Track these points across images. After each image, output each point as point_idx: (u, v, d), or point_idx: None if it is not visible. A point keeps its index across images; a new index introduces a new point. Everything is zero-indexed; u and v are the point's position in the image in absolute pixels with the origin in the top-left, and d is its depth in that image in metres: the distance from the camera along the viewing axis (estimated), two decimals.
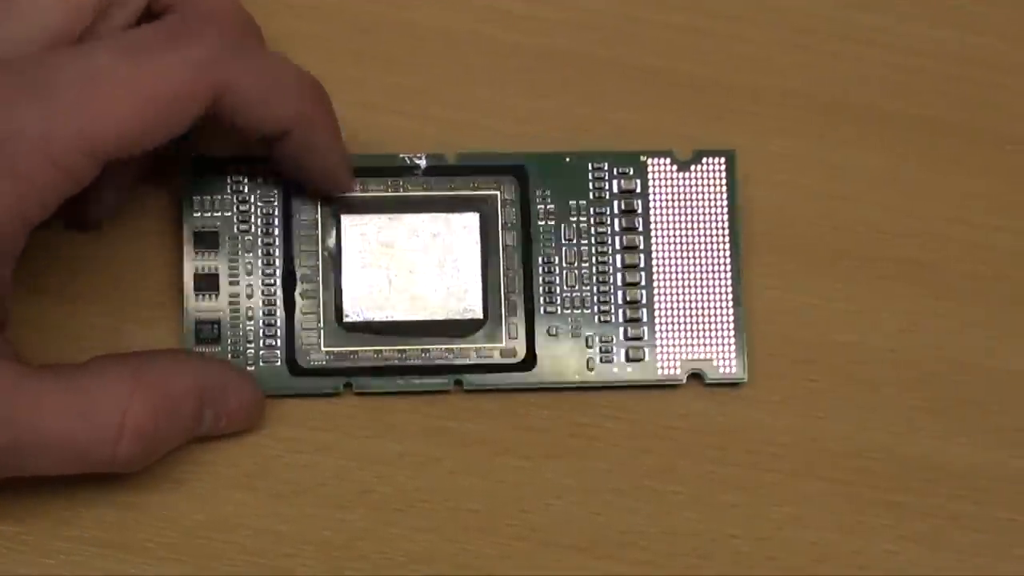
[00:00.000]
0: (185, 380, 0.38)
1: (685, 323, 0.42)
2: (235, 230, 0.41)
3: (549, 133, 0.44)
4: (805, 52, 0.45)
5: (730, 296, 0.42)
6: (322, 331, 0.41)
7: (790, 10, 0.45)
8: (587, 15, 0.45)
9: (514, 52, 0.45)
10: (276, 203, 0.42)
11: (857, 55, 0.45)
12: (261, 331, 0.41)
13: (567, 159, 0.43)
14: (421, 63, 0.44)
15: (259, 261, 0.41)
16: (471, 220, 0.42)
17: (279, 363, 0.41)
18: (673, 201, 0.43)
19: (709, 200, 0.43)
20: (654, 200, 0.43)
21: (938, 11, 0.46)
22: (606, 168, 0.43)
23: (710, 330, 0.42)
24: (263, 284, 0.41)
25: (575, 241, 0.42)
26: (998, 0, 0.46)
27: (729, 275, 0.42)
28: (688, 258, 0.42)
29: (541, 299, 0.42)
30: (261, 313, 0.41)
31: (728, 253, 0.42)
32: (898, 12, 0.46)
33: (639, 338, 0.42)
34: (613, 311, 0.42)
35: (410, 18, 0.44)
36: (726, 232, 0.43)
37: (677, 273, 0.42)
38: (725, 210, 0.43)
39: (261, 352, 0.41)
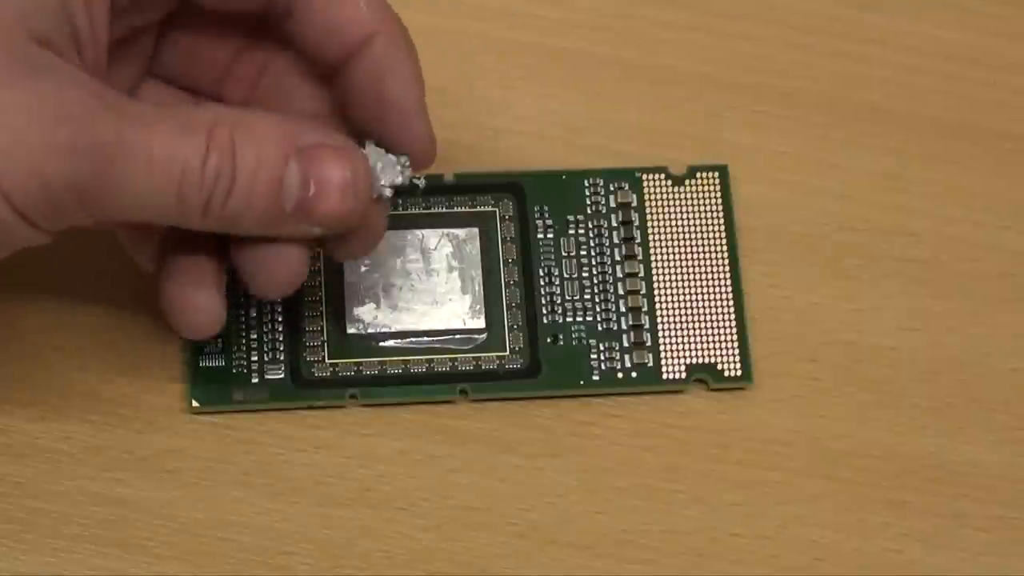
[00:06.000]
0: (272, 122, 0.35)
1: (688, 328, 0.42)
2: None
3: (551, 131, 0.44)
4: (805, 51, 0.45)
5: (731, 300, 0.42)
6: (326, 344, 0.41)
7: (790, 9, 0.46)
8: (587, 14, 0.45)
9: (516, 50, 0.45)
10: None
11: (857, 55, 0.46)
12: (265, 344, 0.41)
13: (563, 176, 0.43)
14: (424, 62, 0.44)
15: None
16: (472, 233, 0.42)
17: (283, 375, 0.41)
18: (669, 214, 0.43)
19: (704, 212, 0.43)
20: (651, 213, 0.43)
21: (938, 11, 0.46)
22: (602, 184, 0.43)
23: (713, 335, 0.42)
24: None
25: (575, 253, 0.42)
26: (998, 0, 0.46)
27: (729, 281, 0.43)
28: (687, 265, 0.43)
29: (544, 308, 0.42)
30: (265, 328, 0.41)
31: (727, 258, 0.43)
32: (898, 12, 0.46)
33: (642, 343, 0.42)
34: (616, 318, 0.42)
35: (413, 18, 0.45)
36: (723, 240, 0.43)
37: (677, 280, 0.43)
38: (721, 222, 0.43)
39: (265, 364, 0.41)
